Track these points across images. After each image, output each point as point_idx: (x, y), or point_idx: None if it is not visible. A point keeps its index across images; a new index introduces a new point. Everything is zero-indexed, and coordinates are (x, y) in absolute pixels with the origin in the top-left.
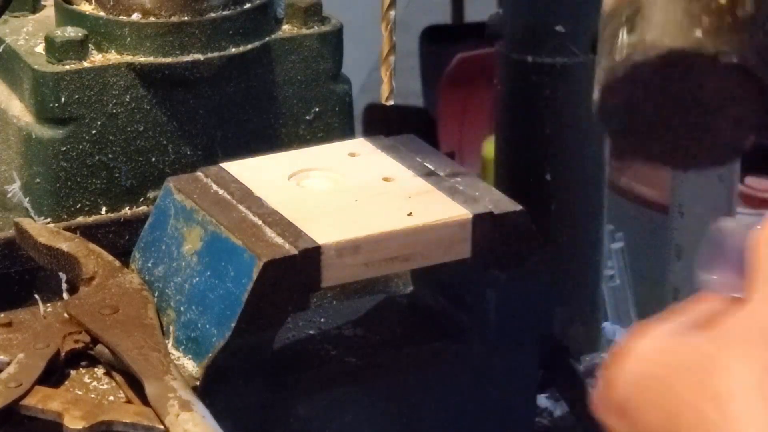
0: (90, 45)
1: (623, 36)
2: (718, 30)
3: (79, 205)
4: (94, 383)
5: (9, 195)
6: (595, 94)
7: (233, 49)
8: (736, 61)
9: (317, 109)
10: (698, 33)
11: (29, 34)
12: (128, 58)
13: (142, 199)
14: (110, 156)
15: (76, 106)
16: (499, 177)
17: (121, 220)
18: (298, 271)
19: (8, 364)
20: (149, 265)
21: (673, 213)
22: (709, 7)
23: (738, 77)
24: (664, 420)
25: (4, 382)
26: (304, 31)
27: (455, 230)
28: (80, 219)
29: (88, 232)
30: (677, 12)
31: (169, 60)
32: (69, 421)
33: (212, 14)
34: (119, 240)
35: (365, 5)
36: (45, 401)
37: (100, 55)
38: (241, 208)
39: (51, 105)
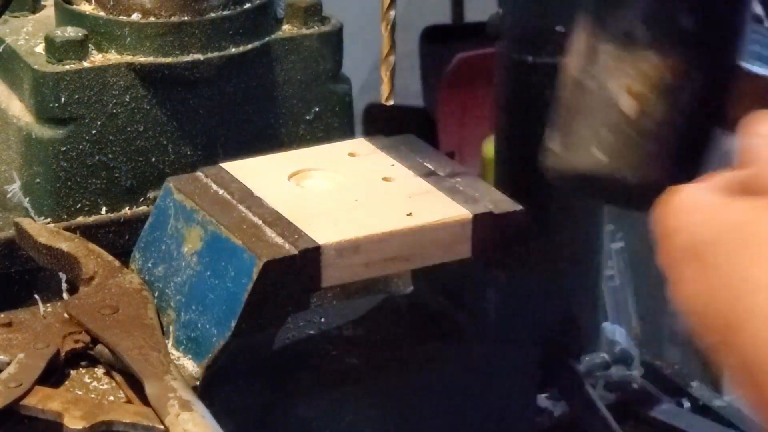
0: (90, 45)
1: (548, 137)
2: (618, 149)
3: (79, 205)
4: (94, 383)
5: (9, 195)
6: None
7: (233, 49)
8: (633, 181)
9: (317, 109)
10: (599, 155)
11: (29, 34)
12: (128, 58)
13: (142, 199)
14: (110, 156)
15: (76, 106)
16: (499, 177)
17: (121, 220)
18: (298, 271)
19: (8, 364)
20: (149, 265)
21: None
22: (612, 122)
23: (636, 190)
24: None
25: (4, 382)
26: (304, 31)
27: (455, 230)
28: (80, 219)
29: (88, 232)
30: (586, 129)
31: (169, 60)
32: (69, 421)
33: (212, 14)
34: (119, 240)
35: (365, 5)
36: (45, 401)
37: (100, 55)
38: (241, 208)
39: (51, 105)
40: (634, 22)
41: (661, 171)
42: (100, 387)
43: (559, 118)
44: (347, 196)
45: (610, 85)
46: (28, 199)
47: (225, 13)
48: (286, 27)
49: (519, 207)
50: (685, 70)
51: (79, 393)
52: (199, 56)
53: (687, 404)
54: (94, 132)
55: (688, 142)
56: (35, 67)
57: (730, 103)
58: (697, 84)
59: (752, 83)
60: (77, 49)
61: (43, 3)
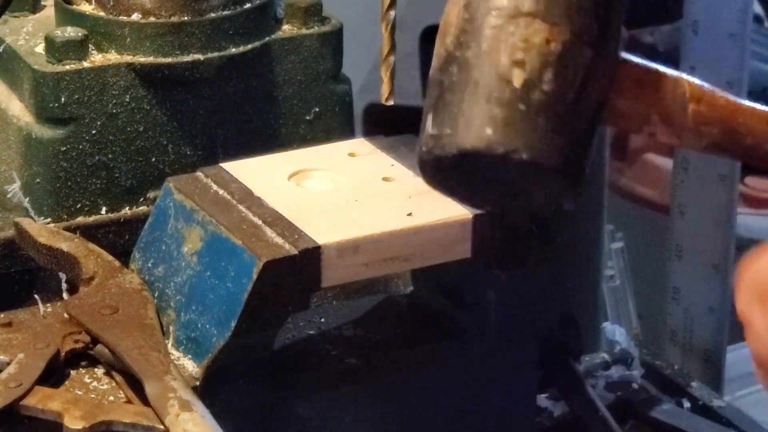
0: (90, 45)
1: (429, 124)
2: (508, 123)
3: (79, 205)
4: (94, 383)
5: (9, 195)
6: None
7: (233, 49)
8: (525, 157)
9: (317, 109)
10: (488, 131)
11: (29, 34)
12: (128, 58)
13: (142, 199)
14: (110, 156)
15: (76, 106)
16: None
17: (121, 220)
18: (298, 271)
19: (8, 364)
20: (149, 265)
21: (673, 213)
22: (502, 97)
23: (528, 167)
24: None
25: (4, 382)
26: (304, 31)
27: (455, 230)
28: (80, 219)
29: (88, 232)
30: (471, 105)
31: (169, 60)
32: (69, 421)
33: (212, 14)
34: (119, 240)
35: (365, 5)
36: (45, 401)
37: (100, 55)
38: (241, 208)
39: (51, 105)
40: None
41: (552, 147)
42: (100, 387)
43: (438, 98)
44: (347, 196)
45: (497, 58)
46: (28, 199)
47: (225, 13)
48: (286, 27)
49: None
50: (574, 41)
51: (79, 393)
52: (199, 56)
53: (687, 404)
54: (94, 132)
55: (577, 119)
56: (35, 67)
57: (612, 93)
58: (586, 58)
59: (632, 73)
60: (77, 49)
61: (43, 3)
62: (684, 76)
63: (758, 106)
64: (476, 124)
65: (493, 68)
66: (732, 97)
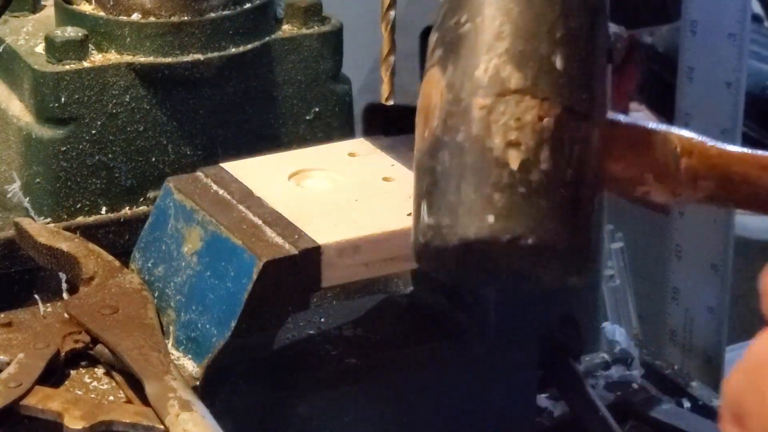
0: (90, 45)
1: (424, 213)
2: (511, 209)
3: (79, 205)
4: (94, 383)
5: (9, 195)
6: (412, 252)
7: (233, 49)
8: (532, 242)
9: (317, 109)
10: (490, 218)
11: (29, 34)
12: (128, 58)
13: (142, 199)
14: (110, 156)
15: (76, 106)
16: None
17: (121, 220)
18: (298, 271)
19: (8, 364)
20: (149, 265)
21: (673, 213)
22: (500, 182)
23: (535, 252)
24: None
25: (4, 382)
26: (304, 31)
27: None
28: (80, 219)
29: (88, 232)
30: (469, 192)
31: (169, 60)
32: (69, 421)
33: (212, 14)
34: (119, 240)
35: (365, 5)
36: (45, 401)
37: (100, 55)
38: (241, 208)
39: (51, 105)
40: (503, 66)
41: (558, 228)
42: (100, 387)
43: (431, 186)
44: (347, 196)
45: (490, 140)
46: (28, 199)
47: (225, 13)
48: (286, 27)
49: None
50: (567, 115)
51: (79, 393)
52: (199, 56)
53: (687, 404)
54: (94, 132)
55: (579, 194)
56: (35, 67)
57: (603, 156)
58: (581, 130)
59: (622, 134)
60: (77, 49)
61: (43, 3)
62: (673, 130)
63: (748, 150)
64: (477, 213)
65: (487, 152)
66: (723, 146)
